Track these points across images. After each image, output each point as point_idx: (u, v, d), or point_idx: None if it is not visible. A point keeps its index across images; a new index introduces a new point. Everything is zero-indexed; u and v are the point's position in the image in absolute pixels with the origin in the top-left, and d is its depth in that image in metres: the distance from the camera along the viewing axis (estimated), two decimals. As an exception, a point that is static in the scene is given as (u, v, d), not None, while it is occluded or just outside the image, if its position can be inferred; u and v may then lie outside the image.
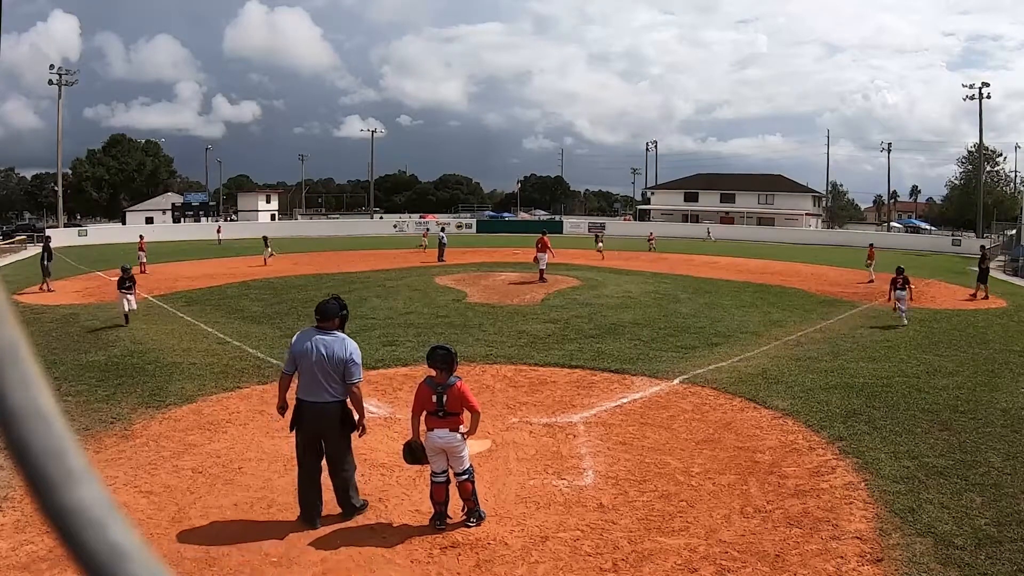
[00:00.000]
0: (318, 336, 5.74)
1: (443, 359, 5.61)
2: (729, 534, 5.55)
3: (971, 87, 53.14)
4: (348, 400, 5.80)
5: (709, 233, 51.74)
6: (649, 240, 41.28)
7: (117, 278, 14.86)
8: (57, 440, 0.41)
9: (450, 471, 5.68)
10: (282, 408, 5.95)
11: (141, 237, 27.88)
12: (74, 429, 0.49)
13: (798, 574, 4.97)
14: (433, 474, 5.67)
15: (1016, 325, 15.75)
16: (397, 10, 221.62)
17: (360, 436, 5.88)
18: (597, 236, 38.50)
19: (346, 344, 5.72)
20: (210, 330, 13.82)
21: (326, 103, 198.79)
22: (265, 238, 29.97)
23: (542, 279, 21.83)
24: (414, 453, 5.75)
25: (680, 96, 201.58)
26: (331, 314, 5.83)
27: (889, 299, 15.89)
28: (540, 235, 23.08)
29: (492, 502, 6.11)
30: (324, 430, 5.71)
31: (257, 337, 13.14)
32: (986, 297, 20.04)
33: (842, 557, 5.16)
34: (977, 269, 21.15)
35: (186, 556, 5.13)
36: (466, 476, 5.66)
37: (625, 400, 9.22)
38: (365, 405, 8.80)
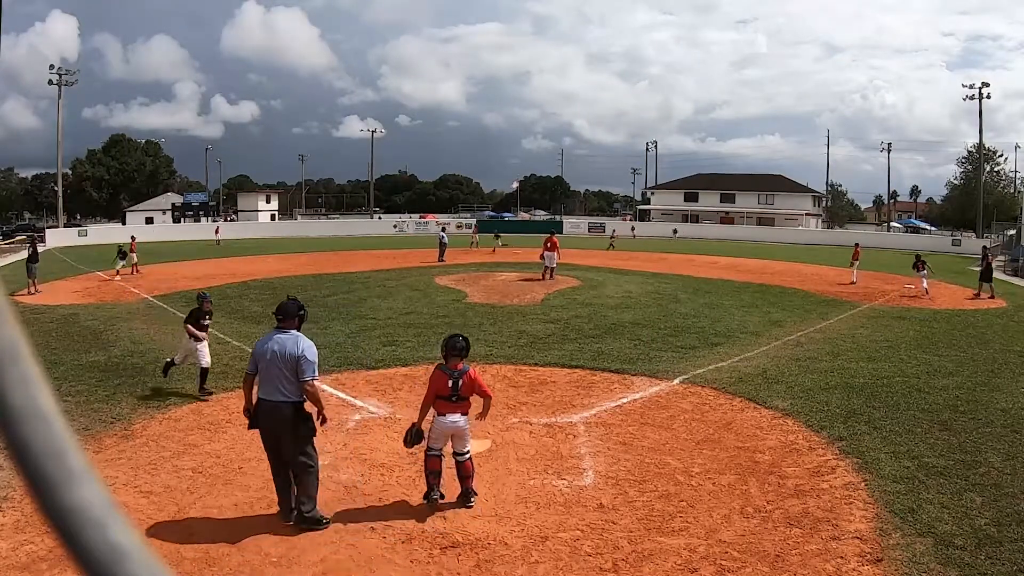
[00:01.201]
0: (276, 335, 5.74)
1: (462, 348, 5.98)
2: (729, 534, 5.55)
3: (971, 87, 53.22)
4: (306, 403, 5.67)
5: (675, 232, 51.89)
6: (611, 238, 41.74)
7: (191, 312, 9.94)
8: (57, 440, 0.41)
9: (447, 451, 5.99)
10: (248, 411, 5.87)
11: (133, 238, 27.00)
12: (74, 429, 0.49)
13: (798, 574, 4.97)
14: (430, 448, 5.94)
15: (1016, 325, 15.75)
16: (395, 10, 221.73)
17: (322, 425, 5.77)
18: (496, 234, 38.99)
19: (299, 342, 5.66)
20: (210, 330, 13.80)
21: (324, 103, 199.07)
22: (120, 248, 24.56)
23: (550, 277, 22.30)
24: (415, 438, 6.03)
25: (679, 96, 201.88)
26: (290, 313, 5.80)
27: (920, 268, 20.91)
28: (548, 235, 23.65)
29: (492, 502, 6.11)
30: (278, 430, 5.61)
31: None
32: (992, 296, 20.13)
33: (842, 557, 5.16)
34: (980, 269, 21.42)
35: (186, 556, 5.13)
36: (467, 455, 5.97)
37: (625, 400, 9.22)
38: (364, 404, 8.86)
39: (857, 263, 24.10)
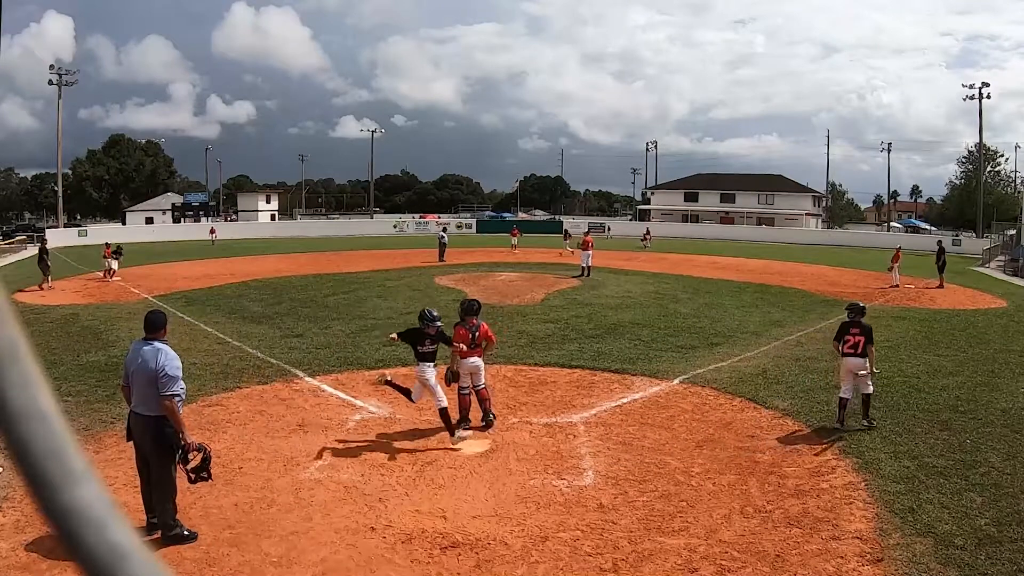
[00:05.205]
0: (142, 347, 5.59)
1: (478, 309, 8.23)
2: (729, 534, 5.55)
3: (971, 87, 53.22)
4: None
5: (646, 235, 48.42)
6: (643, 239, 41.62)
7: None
8: (57, 440, 0.41)
9: (471, 385, 8.03)
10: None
11: (107, 245, 26.45)
12: (74, 429, 0.49)
13: (798, 574, 4.97)
14: (460, 388, 8.03)
15: (1016, 325, 15.74)
16: (391, 11, 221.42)
17: (179, 458, 5.43)
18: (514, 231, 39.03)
19: (159, 355, 5.44)
20: (210, 330, 13.82)
21: (320, 104, 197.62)
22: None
23: (587, 275, 23.43)
24: (455, 375, 8.00)
25: (675, 96, 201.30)
26: (156, 326, 5.64)
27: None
28: (584, 235, 26.23)
29: (492, 502, 6.11)
30: (143, 444, 5.50)
31: (257, 337, 13.14)
32: (941, 286, 22.15)
33: (842, 557, 5.16)
34: (938, 261, 22.89)
35: (186, 556, 5.14)
36: (483, 385, 8.12)
37: (625, 400, 9.22)
38: (364, 404, 8.85)
39: (898, 265, 23.04)
